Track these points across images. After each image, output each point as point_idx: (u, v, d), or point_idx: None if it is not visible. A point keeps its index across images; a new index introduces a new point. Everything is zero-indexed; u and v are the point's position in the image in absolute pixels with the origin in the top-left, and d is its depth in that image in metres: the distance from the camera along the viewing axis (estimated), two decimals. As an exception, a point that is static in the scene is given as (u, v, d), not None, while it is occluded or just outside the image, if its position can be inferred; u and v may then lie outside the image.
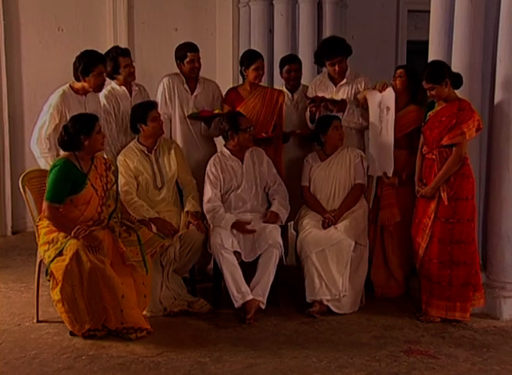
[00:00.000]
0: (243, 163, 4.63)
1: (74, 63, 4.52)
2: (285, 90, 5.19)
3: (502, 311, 4.32)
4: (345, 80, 4.91)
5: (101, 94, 4.79)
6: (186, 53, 4.93)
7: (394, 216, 4.67)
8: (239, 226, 4.45)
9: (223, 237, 4.34)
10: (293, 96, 5.16)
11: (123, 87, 4.89)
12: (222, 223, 4.44)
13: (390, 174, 4.64)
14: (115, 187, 4.26)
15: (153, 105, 4.68)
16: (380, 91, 4.68)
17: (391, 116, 4.60)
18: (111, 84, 4.89)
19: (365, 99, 4.80)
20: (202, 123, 4.99)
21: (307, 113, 4.97)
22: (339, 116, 4.77)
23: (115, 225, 4.12)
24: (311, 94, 4.97)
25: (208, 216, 4.53)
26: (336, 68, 4.84)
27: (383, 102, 4.66)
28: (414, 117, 4.58)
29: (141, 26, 6.97)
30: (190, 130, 5.01)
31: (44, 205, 4.01)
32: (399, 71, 4.69)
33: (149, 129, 4.59)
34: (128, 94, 4.90)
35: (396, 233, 4.71)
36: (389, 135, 4.62)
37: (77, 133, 4.02)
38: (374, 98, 4.72)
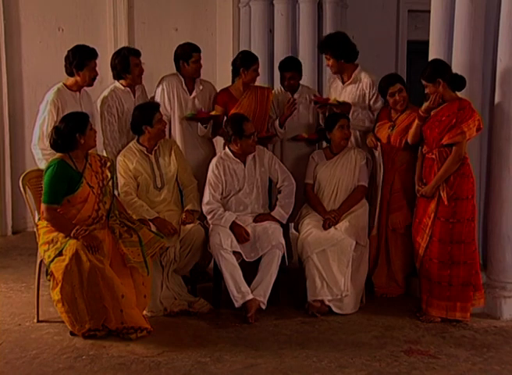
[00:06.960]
0: (245, 166, 4.61)
1: (67, 58, 4.54)
2: (283, 90, 5.20)
3: (502, 311, 4.32)
4: (351, 79, 4.92)
5: (103, 95, 4.80)
6: (192, 53, 4.91)
7: (406, 219, 4.61)
8: (237, 230, 4.43)
9: (222, 237, 4.34)
10: (292, 97, 5.15)
11: (127, 88, 4.87)
12: (221, 221, 4.44)
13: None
14: (110, 182, 4.23)
15: (157, 106, 4.67)
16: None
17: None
18: (114, 84, 4.88)
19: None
20: (199, 124, 4.98)
21: (321, 115, 5.07)
22: (347, 115, 4.74)
23: (116, 226, 4.12)
24: (327, 93, 5.10)
25: (208, 218, 4.53)
26: (327, 63, 4.91)
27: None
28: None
29: (141, 26, 6.97)
30: (189, 130, 5.00)
31: (42, 207, 4.00)
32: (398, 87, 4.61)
33: (154, 131, 4.56)
34: (132, 95, 4.88)
35: (401, 236, 4.67)
36: None
37: (72, 132, 3.99)
38: None
